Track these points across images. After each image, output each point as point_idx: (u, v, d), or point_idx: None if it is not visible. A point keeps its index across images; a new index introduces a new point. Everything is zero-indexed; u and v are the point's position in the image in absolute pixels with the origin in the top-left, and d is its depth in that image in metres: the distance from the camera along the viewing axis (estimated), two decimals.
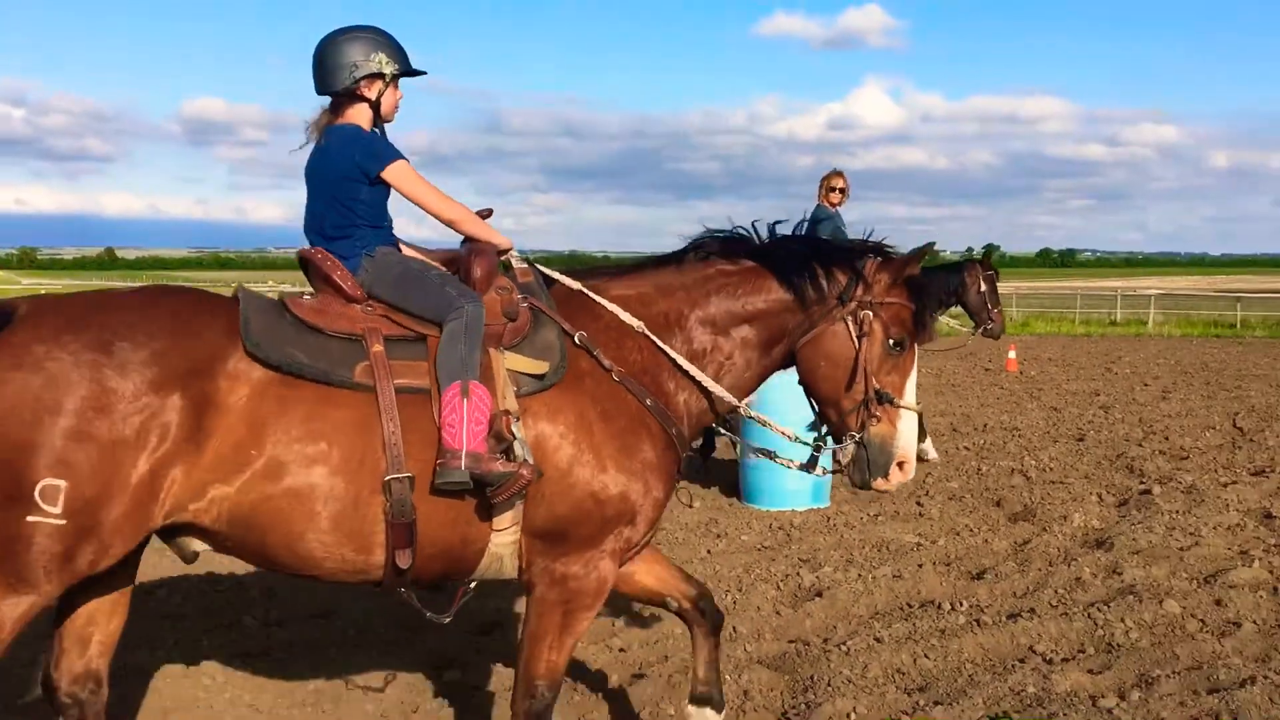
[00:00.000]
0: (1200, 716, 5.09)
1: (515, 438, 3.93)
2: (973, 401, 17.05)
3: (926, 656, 6.01)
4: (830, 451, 4.53)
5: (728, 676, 5.70)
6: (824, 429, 4.59)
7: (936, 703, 5.43)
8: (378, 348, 3.99)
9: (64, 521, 3.51)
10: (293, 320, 4.00)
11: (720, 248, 4.55)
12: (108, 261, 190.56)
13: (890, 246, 4.51)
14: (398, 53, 4.40)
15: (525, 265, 4.48)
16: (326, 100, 4.44)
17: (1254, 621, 6.44)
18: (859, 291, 4.39)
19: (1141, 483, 10.49)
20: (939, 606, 6.88)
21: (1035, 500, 9.80)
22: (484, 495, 3.93)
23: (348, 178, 4.30)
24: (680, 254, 4.59)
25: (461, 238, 4.50)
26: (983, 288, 11.99)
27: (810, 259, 4.44)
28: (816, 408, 4.57)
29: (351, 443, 3.86)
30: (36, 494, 3.47)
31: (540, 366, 4.13)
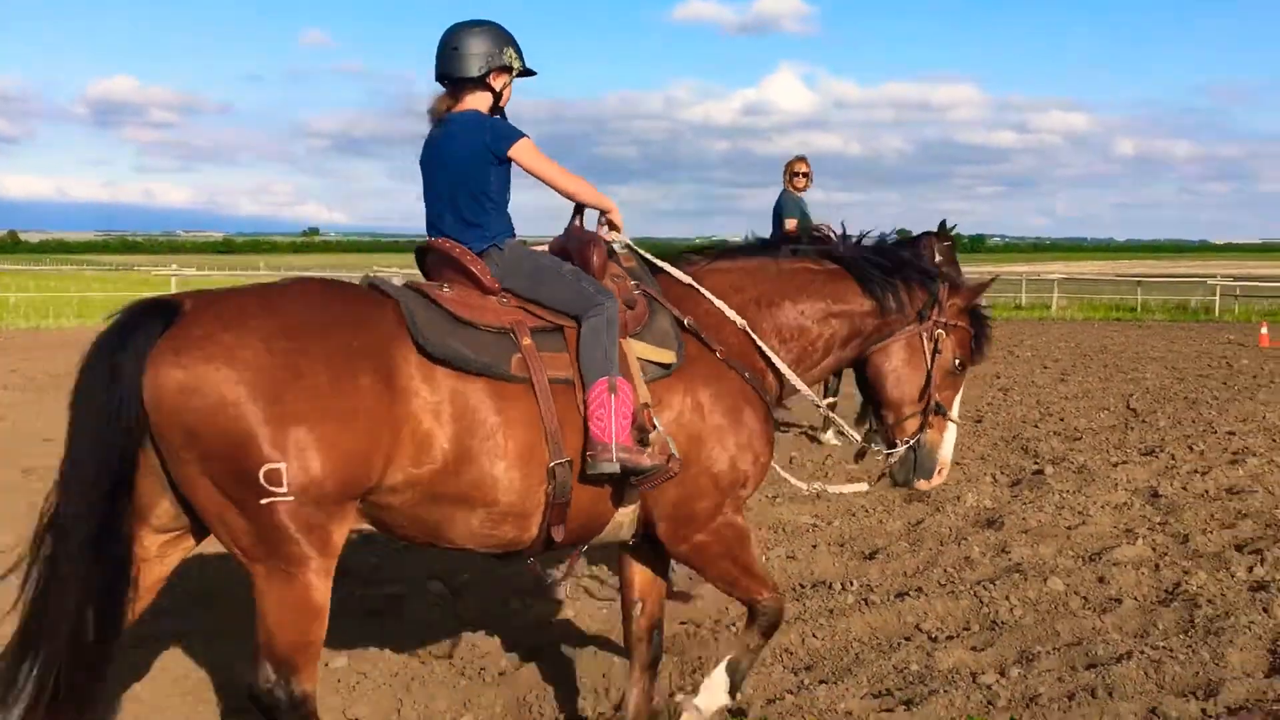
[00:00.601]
0: (1076, 691, 5.19)
1: (656, 428, 4.23)
2: None
3: (814, 636, 6.08)
4: (883, 450, 4.98)
5: (616, 660, 5.71)
6: (875, 427, 5.05)
7: (822, 681, 5.48)
8: (527, 340, 4.18)
9: (292, 498, 3.64)
10: (445, 313, 4.11)
11: (810, 249, 4.91)
12: (10, 244, 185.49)
13: (956, 274, 5.02)
14: (520, 51, 4.63)
15: (626, 251, 4.71)
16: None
17: (1134, 598, 6.59)
18: (935, 313, 4.85)
19: (1035, 463, 10.66)
20: (830, 586, 6.94)
21: None
22: (621, 476, 4.21)
23: (477, 161, 4.46)
24: (773, 246, 4.95)
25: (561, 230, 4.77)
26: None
27: (894, 274, 4.84)
28: (877, 408, 4.99)
29: (521, 433, 4.06)
30: (261, 478, 3.60)
31: (666, 355, 4.40)
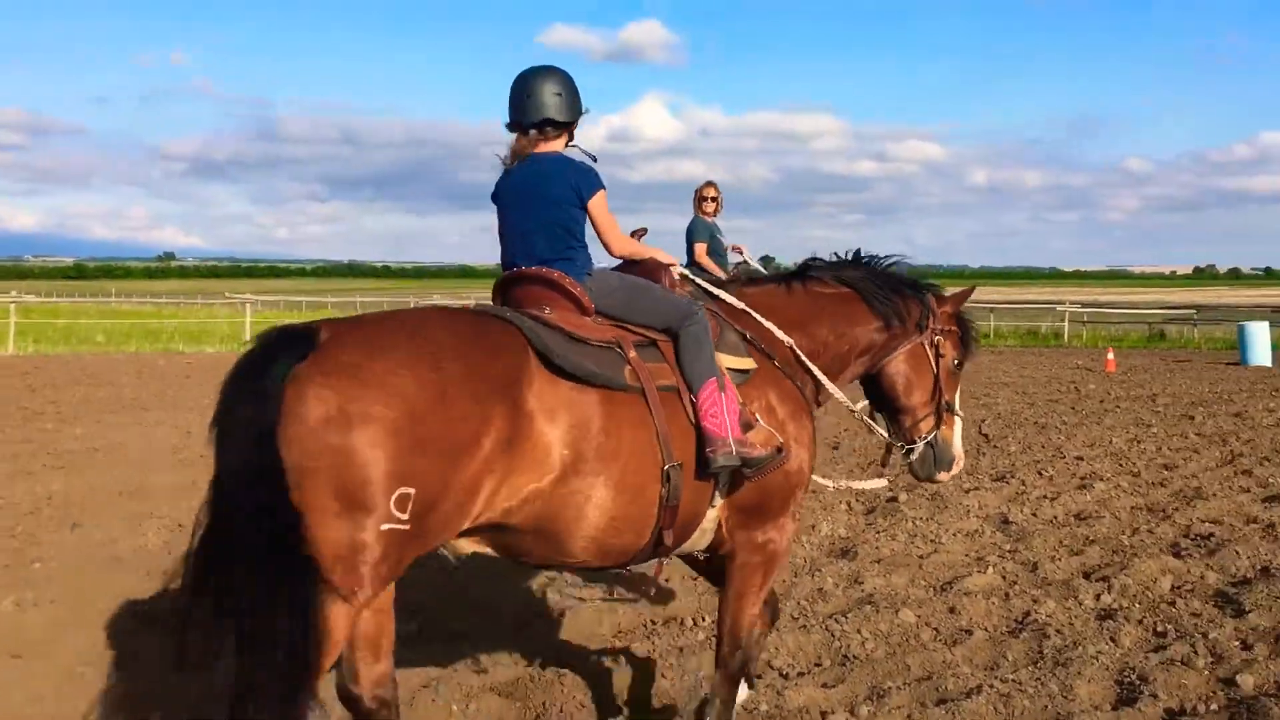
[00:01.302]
0: None
1: (759, 421, 4.53)
2: None
3: (663, 676, 5.88)
4: (902, 450, 5.45)
5: (454, 707, 5.44)
6: (891, 431, 5.46)
7: None
8: (634, 353, 4.41)
9: (408, 527, 3.65)
10: (561, 332, 4.27)
11: (817, 274, 5.29)
12: None
13: (939, 285, 5.48)
14: None
15: (682, 279, 4.98)
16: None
17: (985, 629, 6.55)
18: (931, 321, 5.30)
19: (889, 490, 10.66)
20: (682, 623, 6.78)
21: None
22: (709, 478, 4.45)
23: (566, 201, 4.70)
24: (787, 278, 5.32)
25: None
26: None
27: (892, 292, 5.26)
28: (895, 414, 5.42)
29: (636, 438, 4.25)
30: (391, 503, 3.60)
31: (746, 362, 4.72)
